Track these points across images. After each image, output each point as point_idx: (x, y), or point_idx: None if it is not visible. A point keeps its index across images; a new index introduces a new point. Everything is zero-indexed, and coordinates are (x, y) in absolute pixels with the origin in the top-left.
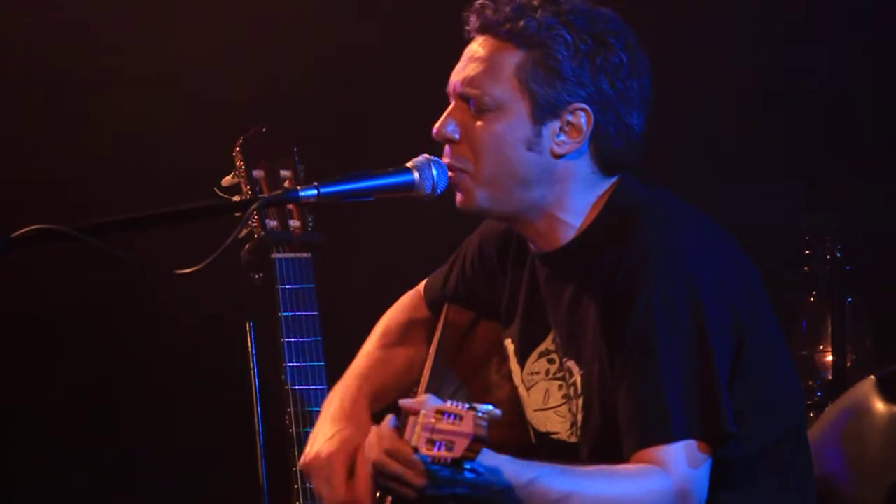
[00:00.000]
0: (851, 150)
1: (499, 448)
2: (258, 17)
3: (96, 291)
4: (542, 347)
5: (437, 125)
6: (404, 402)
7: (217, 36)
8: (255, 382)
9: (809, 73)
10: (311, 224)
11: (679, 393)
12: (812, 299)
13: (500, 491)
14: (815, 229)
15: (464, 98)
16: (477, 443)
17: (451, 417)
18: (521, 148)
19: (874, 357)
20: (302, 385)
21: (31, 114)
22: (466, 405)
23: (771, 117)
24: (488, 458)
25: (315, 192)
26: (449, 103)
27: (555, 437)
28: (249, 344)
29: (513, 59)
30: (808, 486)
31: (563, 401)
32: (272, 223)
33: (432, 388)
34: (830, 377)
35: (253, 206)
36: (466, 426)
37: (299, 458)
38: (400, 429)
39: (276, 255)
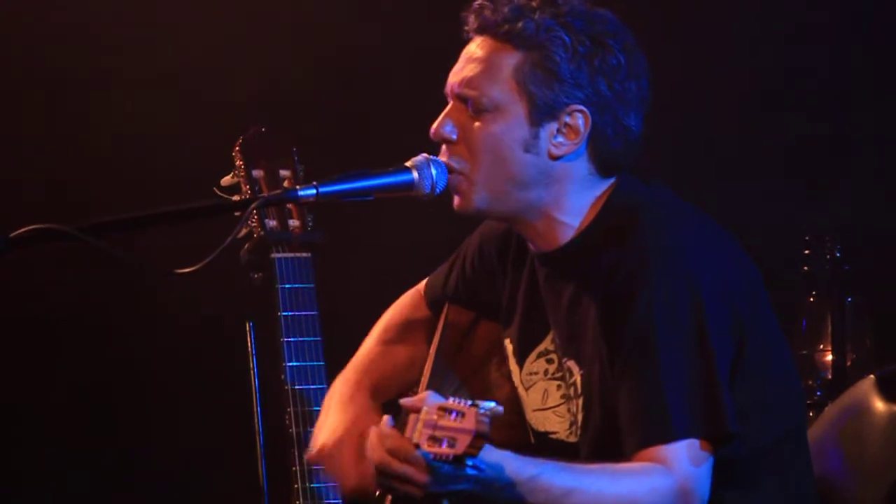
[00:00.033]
0: (851, 150)
1: (499, 448)
2: (258, 17)
3: (96, 291)
4: (541, 347)
5: (434, 125)
6: (405, 401)
7: (217, 36)
8: (254, 382)
9: (809, 73)
10: (310, 224)
11: (680, 393)
12: (812, 299)
13: (502, 487)
14: (815, 229)
15: (461, 99)
16: (479, 439)
17: (454, 414)
18: (519, 149)
19: (874, 356)
20: (302, 385)
21: (31, 114)
22: (469, 402)
23: (771, 117)
24: (490, 454)
25: (314, 191)
26: (447, 104)
27: (554, 436)
28: (249, 343)
29: (511, 60)
30: (808, 485)
31: (562, 401)
32: (272, 223)
33: (433, 388)
34: (830, 376)
35: (252, 206)
36: (469, 423)
37: (299, 457)
38: (399, 428)
39: (275, 255)
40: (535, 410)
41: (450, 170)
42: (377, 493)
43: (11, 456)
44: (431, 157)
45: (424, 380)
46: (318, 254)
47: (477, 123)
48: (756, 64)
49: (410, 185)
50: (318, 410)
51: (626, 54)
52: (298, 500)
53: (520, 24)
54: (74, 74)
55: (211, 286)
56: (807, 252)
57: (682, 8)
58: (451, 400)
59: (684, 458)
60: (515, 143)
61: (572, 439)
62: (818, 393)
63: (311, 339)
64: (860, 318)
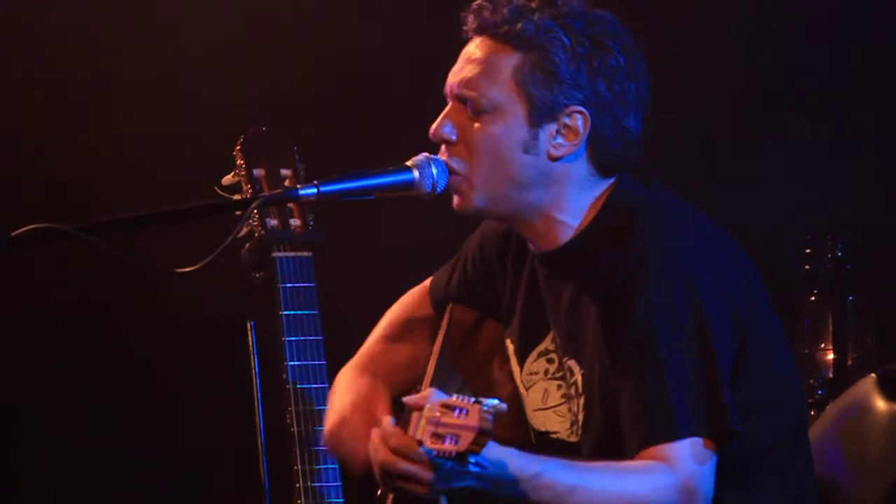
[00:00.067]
0: (851, 150)
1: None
2: (258, 17)
3: (96, 291)
4: (541, 347)
5: (433, 126)
6: (408, 398)
7: (217, 36)
8: (256, 381)
9: (809, 73)
10: (311, 223)
11: (683, 392)
12: (813, 298)
13: (505, 484)
14: (815, 228)
15: (461, 99)
16: (482, 436)
17: (457, 411)
18: (518, 150)
19: (875, 355)
20: (303, 384)
21: (31, 114)
22: (472, 399)
23: (771, 117)
24: (494, 451)
25: (315, 190)
26: (447, 104)
27: (554, 436)
28: (250, 343)
29: (510, 61)
30: (808, 484)
31: (563, 400)
32: (273, 222)
33: (436, 386)
34: (831, 375)
35: (253, 205)
36: (472, 420)
37: (301, 456)
38: (402, 427)
39: (276, 254)
40: (535, 410)
41: (449, 170)
42: (379, 492)
43: (11, 456)
44: (432, 156)
45: (428, 378)
46: (319, 253)
47: (476, 124)
48: (756, 64)
49: (411, 184)
50: (320, 409)
51: (625, 55)
52: (300, 500)
53: (519, 26)
54: (74, 74)
55: (212, 285)
56: (808, 251)
57: (681, 8)
58: (454, 397)
59: (688, 457)
60: (515, 144)
61: (573, 439)
62: (819, 392)
63: (313, 338)
64: (861, 318)
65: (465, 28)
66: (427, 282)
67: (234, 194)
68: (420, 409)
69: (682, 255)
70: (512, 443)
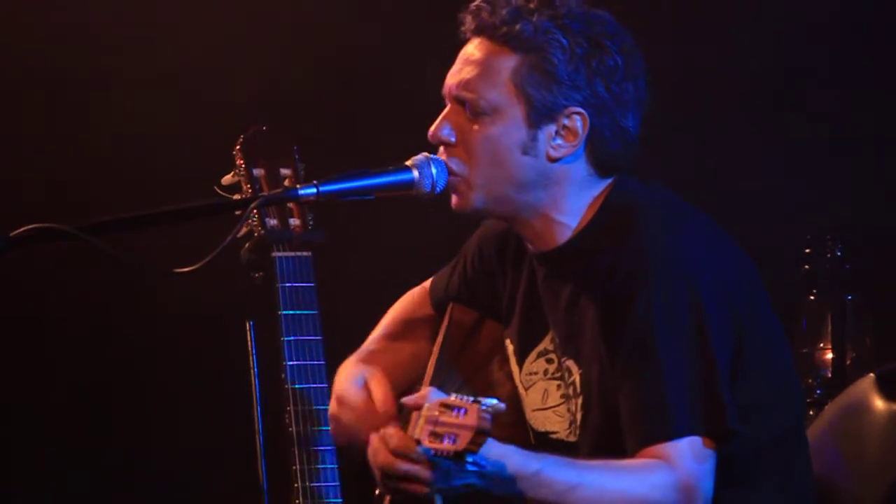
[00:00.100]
0: (851, 150)
1: None
2: (258, 17)
3: (96, 291)
4: (540, 347)
5: (432, 128)
6: (406, 399)
7: (217, 36)
8: (255, 381)
9: (809, 73)
10: (311, 222)
11: (682, 391)
12: (812, 297)
13: (505, 481)
14: (815, 228)
15: (459, 101)
16: (480, 435)
17: (455, 411)
18: (517, 152)
19: (874, 355)
20: (302, 384)
21: (31, 114)
22: (471, 398)
23: (771, 117)
24: (494, 448)
25: (314, 190)
26: (445, 105)
27: (554, 436)
28: (249, 343)
29: (508, 62)
30: (807, 484)
31: (562, 400)
32: (272, 222)
33: (435, 385)
34: (830, 375)
35: (252, 205)
36: (470, 419)
37: (299, 456)
38: (402, 426)
39: (276, 254)
40: (535, 410)
41: (448, 171)
42: (377, 492)
43: (11, 456)
44: (432, 156)
45: (427, 377)
46: (319, 253)
47: (475, 126)
48: (756, 64)
49: (411, 183)
50: (319, 409)
51: (623, 55)
52: (298, 499)
53: (517, 27)
54: (74, 74)
55: (211, 285)
56: (807, 251)
57: (681, 8)
58: (453, 397)
59: (687, 455)
60: (514, 146)
61: (572, 439)
62: (818, 392)
63: (312, 337)
64: (860, 317)
65: (462, 29)
66: (427, 283)
67: (233, 194)
68: (418, 408)
69: (682, 254)
70: (511, 443)
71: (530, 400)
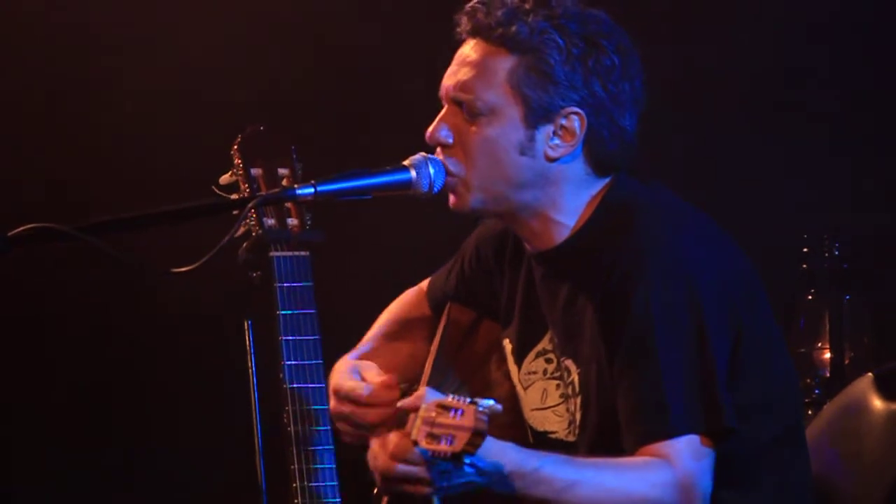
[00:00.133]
0: (851, 150)
1: None
2: (258, 17)
3: (96, 291)
4: (539, 347)
5: (429, 130)
6: (403, 402)
7: (217, 36)
8: (252, 381)
9: (809, 73)
10: (309, 222)
11: (680, 390)
12: (810, 297)
13: (504, 479)
14: (813, 227)
15: (456, 102)
16: (477, 436)
17: (452, 412)
18: (515, 152)
19: (872, 354)
20: (300, 383)
21: (31, 114)
22: (468, 399)
23: (771, 117)
24: (492, 446)
25: (312, 190)
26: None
27: (552, 436)
28: (247, 342)
29: (505, 63)
30: (806, 484)
31: (561, 400)
32: (270, 221)
33: (433, 386)
34: (828, 375)
35: (250, 205)
36: (467, 420)
37: (298, 456)
38: (402, 421)
39: (273, 254)
40: (533, 410)
41: (446, 171)
42: (374, 491)
43: (11, 456)
44: (429, 155)
45: (425, 377)
46: (317, 252)
47: (472, 127)
48: (756, 64)
49: (408, 183)
50: (317, 409)
51: (619, 55)
52: (297, 499)
53: (513, 28)
54: (74, 74)
55: (209, 285)
56: (805, 250)
57: (681, 8)
58: (450, 397)
59: (685, 454)
60: (511, 147)
61: (571, 438)
62: (816, 391)
63: (310, 337)
64: (858, 317)
65: (458, 30)
66: (424, 283)
67: (231, 193)
68: (415, 409)
69: (680, 253)
70: (511, 442)
71: (529, 400)
